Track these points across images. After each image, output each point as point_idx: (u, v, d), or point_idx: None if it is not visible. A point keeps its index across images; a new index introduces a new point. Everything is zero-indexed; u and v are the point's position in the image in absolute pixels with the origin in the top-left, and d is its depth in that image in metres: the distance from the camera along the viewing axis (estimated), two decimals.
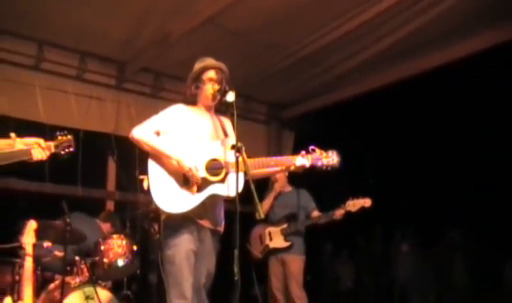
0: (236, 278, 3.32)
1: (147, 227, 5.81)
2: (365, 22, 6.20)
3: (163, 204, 3.85)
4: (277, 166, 4.13)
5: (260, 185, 3.63)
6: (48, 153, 3.50)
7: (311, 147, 4.09)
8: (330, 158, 4.09)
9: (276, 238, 6.52)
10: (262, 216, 3.30)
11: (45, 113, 6.76)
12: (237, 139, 3.60)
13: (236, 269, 3.31)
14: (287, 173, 6.42)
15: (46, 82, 6.85)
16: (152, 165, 3.93)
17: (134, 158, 6.94)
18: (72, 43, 6.81)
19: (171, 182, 3.90)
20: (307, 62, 7.24)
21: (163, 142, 3.95)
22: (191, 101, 4.21)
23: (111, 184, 7.71)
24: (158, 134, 3.99)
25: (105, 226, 6.41)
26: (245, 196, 3.54)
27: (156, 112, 7.08)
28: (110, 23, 6.28)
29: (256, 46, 6.81)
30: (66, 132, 3.74)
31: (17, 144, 3.36)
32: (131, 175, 6.72)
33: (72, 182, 7.00)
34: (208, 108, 4.21)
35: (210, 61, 4.21)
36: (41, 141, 3.49)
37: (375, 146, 7.48)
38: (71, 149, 3.71)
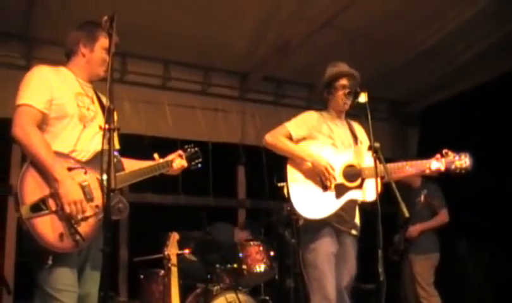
0: (381, 279, 3.32)
1: (282, 232, 5.91)
2: (484, 8, 6.00)
3: (302, 210, 3.92)
4: (411, 170, 4.09)
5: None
6: (185, 163, 3.65)
7: (444, 150, 4.04)
8: (463, 161, 4.02)
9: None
10: (407, 215, 3.28)
11: (175, 128, 7.10)
12: (374, 140, 3.60)
13: (380, 270, 3.31)
14: None
15: (174, 99, 7.18)
16: (290, 171, 4.01)
17: (262, 165, 7.12)
18: (195, 59, 7.07)
19: (310, 188, 3.96)
20: (427, 55, 7.04)
21: (297, 146, 4.02)
22: (322, 106, 4.27)
23: (242, 192, 7.89)
24: (291, 139, 4.08)
25: (242, 234, 6.58)
26: (384, 197, 3.53)
27: (280, 119, 7.15)
28: (230, 37, 6.45)
29: (374, 44, 6.72)
30: (192, 145, 3.89)
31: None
32: (261, 182, 6.88)
33: (204, 193, 7.23)
34: (339, 114, 4.24)
35: (342, 67, 4.24)
36: (180, 151, 3.71)
37: (505, 136, 7.10)
38: (200, 160, 3.86)
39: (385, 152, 7.42)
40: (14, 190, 2.88)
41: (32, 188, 2.90)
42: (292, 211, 4.00)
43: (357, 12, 5.90)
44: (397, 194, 3.31)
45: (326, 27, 6.13)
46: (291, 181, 3.99)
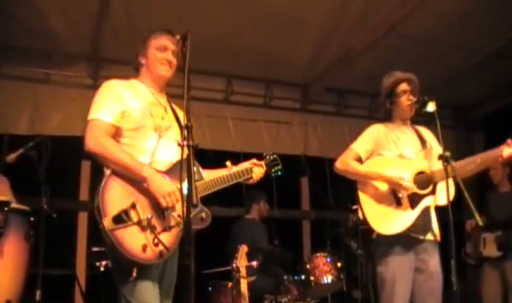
0: (454, 288, 3.27)
1: (348, 243, 5.90)
2: None
3: (382, 229, 3.85)
4: (483, 163, 3.97)
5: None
6: (263, 171, 3.61)
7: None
8: None
9: (490, 246, 6.09)
10: (480, 223, 3.22)
11: (238, 142, 7.21)
12: (445, 149, 3.55)
13: (453, 280, 3.26)
14: (507, 171, 6.12)
15: (236, 113, 7.31)
16: (362, 193, 3.98)
17: (326, 176, 7.12)
18: (257, 73, 7.17)
19: (384, 206, 3.92)
20: (493, 58, 6.88)
21: (367, 168, 4.00)
22: (386, 117, 4.22)
23: (306, 203, 7.91)
24: (360, 159, 4.05)
25: (260, 207, 6.69)
26: (458, 203, 3.49)
27: (342, 129, 7.18)
28: (292, 49, 6.50)
29: (437, 49, 6.64)
30: (271, 152, 3.85)
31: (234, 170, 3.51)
32: (325, 193, 6.87)
33: (269, 204, 7.22)
34: (404, 122, 4.18)
35: (399, 74, 4.18)
36: (254, 160, 3.60)
37: None
38: (280, 167, 3.81)
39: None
40: (96, 203, 2.86)
41: (114, 200, 2.89)
42: (371, 231, 3.92)
43: (419, 18, 5.84)
44: (470, 203, 3.25)
45: (388, 34, 6.09)
46: (363, 203, 3.95)
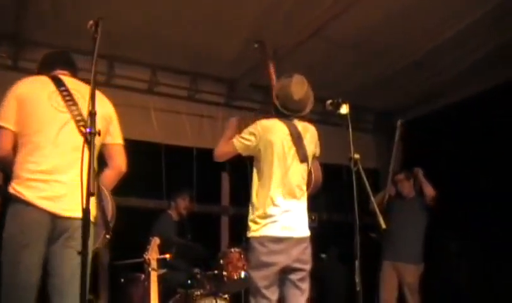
0: (358, 289, 3.35)
1: None
2: (474, 23, 6.02)
3: None
4: None
5: None
6: None
7: None
8: None
9: None
10: (384, 226, 3.31)
11: (160, 133, 7.14)
12: (354, 151, 3.63)
13: (357, 280, 3.34)
14: (412, 184, 6.38)
15: (160, 104, 7.21)
16: None
17: (247, 172, 7.14)
18: (183, 65, 7.10)
19: None
20: (415, 67, 7.06)
21: None
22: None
23: (225, 199, 7.91)
24: None
25: (186, 203, 6.69)
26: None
27: None
28: (219, 44, 6.47)
29: (362, 55, 6.74)
30: None
31: None
32: (245, 189, 6.88)
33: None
34: None
35: (296, 96, 4.25)
36: None
37: (489, 150, 7.10)
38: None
39: (370, 162, 7.39)
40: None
41: None
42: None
43: (345, 23, 5.93)
44: (376, 206, 3.34)
45: (314, 37, 6.17)
46: None
